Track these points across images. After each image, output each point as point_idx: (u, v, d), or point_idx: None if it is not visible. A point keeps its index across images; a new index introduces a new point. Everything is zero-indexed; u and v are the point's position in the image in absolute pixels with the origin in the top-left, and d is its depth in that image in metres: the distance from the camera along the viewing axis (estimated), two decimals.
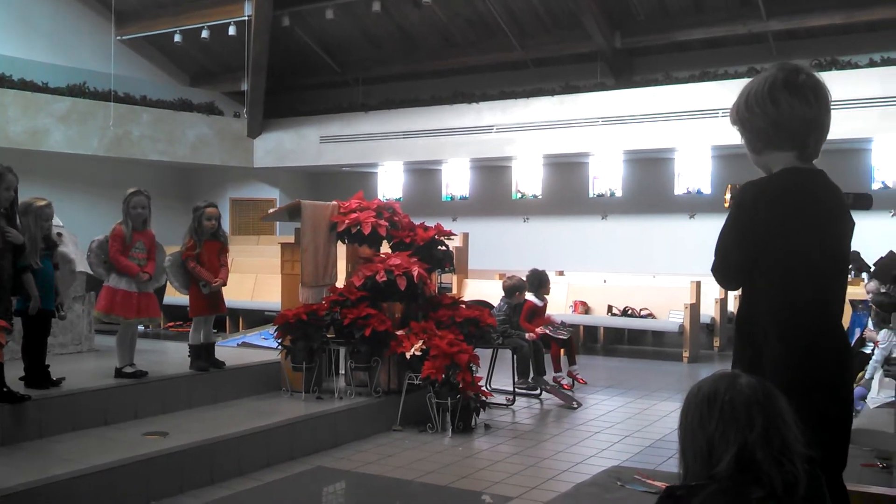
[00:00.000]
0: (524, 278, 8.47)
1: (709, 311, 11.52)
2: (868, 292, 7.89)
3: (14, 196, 5.30)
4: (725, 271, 2.58)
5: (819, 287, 2.44)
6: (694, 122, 13.65)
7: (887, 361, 5.80)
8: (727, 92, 13.16)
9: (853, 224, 2.55)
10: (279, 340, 6.92)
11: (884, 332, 5.91)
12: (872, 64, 12.59)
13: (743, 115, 2.57)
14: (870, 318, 7.04)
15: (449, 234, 7.64)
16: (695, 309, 10.96)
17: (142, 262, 6.21)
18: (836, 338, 2.47)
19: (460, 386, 6.40)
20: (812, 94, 2.45)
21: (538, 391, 8.03)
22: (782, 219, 2.44)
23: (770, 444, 1.86)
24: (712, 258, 2.61)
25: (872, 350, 6.07)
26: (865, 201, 2.73)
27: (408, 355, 6.54)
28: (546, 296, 8.66)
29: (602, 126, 14.47)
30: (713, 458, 1.88)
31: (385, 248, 7.51)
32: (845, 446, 2.48)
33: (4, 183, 5.17)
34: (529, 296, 8.36)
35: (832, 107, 2.51)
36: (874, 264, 8.47)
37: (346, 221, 7.15)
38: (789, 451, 1.87)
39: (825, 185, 2.51)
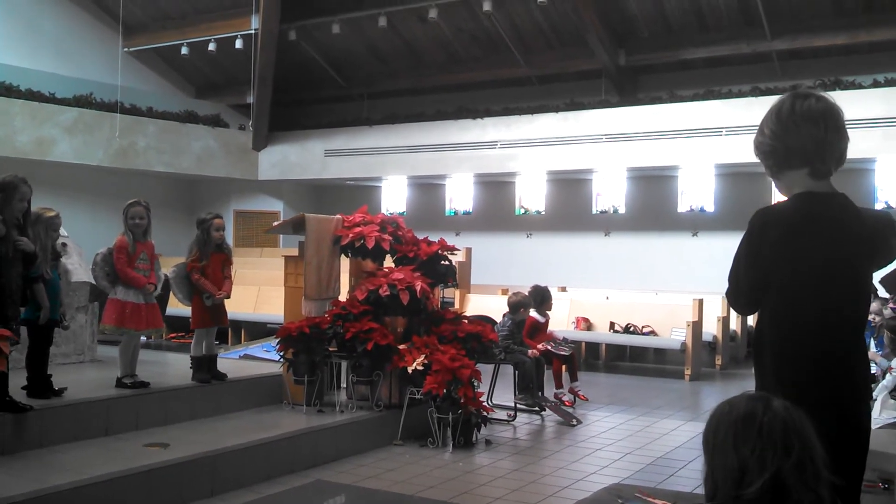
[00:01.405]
0: (527, 294, 8.48)
1: (711, 328, 11.50)
2: (871, 312, 7.87)
3: (27, 207, 5.35)
4: (737, 296, 2.66)
5: (823, 309, 2.48)
6: (698, 140, 13.68)
7: None
8: (731, 110, 13.26)
9: (880, 247, 2.58)
10: (281, 353, 6.92)
11: None
12: (876, 84, 12.62)
13: (757, 139, 2.66)
14: (872, 339, 7.02)
15: (452, 249, 7.66)
16: (697, 327, 10.94)
17: (146, 272, 6.24)
18: (841, 359, 2.48)
19: (462, 401, 6.40)
20: (820, 117, 2.52)
21: (539, 407, 8.01)
22: (788, 243, 2.50)
23: (804, 471, 1.85)
24: (726, 283, 2.69)
25: (884, 373, 6.04)
26: None
27: (409, 370, 6.55)
28: (548, 312, 8.66)
29: (606, 143, 14.50)
30: (745, 479, 1.86)
31: (388, 262, 7.53)
32: (859, 470, 2.49)
33: (18, 194, 5.22)
34: (531, 311, 8.36)
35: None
36: (881, 281, 8.36)
37: (350, 235, 7.18)
38: (820, 478, 1.86)
39: (839, 207, 2.56)
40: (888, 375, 5.81)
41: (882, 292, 8.01)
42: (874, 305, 7.91)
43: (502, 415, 7.73)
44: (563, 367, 8.46)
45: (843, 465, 2.34)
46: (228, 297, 6.78)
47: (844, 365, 2.48)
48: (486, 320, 8.32)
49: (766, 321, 2.57)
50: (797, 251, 2.49)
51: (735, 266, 2.62)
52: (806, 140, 2.51)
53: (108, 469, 4.75)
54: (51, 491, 4.35)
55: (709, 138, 13.55)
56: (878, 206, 14.07)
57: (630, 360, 12.91)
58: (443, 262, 7.52)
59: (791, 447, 1.85)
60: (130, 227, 6.24)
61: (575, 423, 7.61)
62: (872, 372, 6.30)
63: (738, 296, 2.65)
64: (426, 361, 6.54)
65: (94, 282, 6.64)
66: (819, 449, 1.89)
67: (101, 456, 5.10)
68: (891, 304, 7.43)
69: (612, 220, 16.55)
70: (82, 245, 8.31)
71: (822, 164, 2.54)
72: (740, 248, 2.60)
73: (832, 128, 2.52)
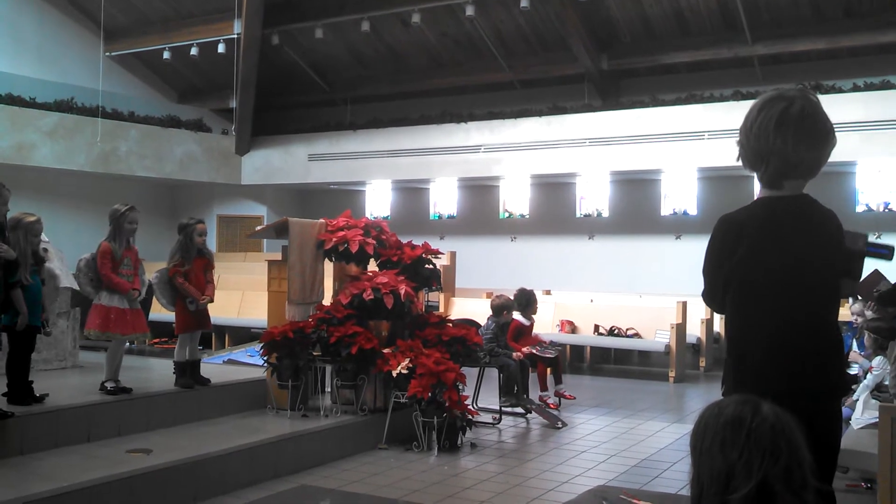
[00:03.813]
0: (512, 297, 8.48)
1: (695, 331, 11.57)
2: (853, 314, 7.92)
3: (6, 211, 5.33)
4: (706, 297, 2.73)
5: (777, 310, 2.50)
6: (680, 144, 13.76)
7: (877, 388, 5.82)
8: (713, 114, 13.33)
9: (839, 247, 2.58)
10: (265, 358, 6.89)
11: (878, 358, 5.92)
12: (856, 88, 12.75)
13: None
14: (854, 340, 7.07)
15: (436, 253, 7.66)
16: (681, 329, 10.99)
17: (130, 278, 6.20)
18: (802, 363, 2.48)
19: (446, 404, 6.39)
20: (773, 125, 2.52)
21: (524, 410, 8.02)
22: (744, 246, 2.54)
23: (791, 477, 1.84)
24: (699, 282, 2.75)
25: (865, 373, 6.08)
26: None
27: (394, 373, 6.53)
28: (533, 315, 8.67)
29: (589, 147, 14.55)
30: (731, 484, 1.85)
31: (372, 266, 7.51)
32: (830, 472, 2.50)
33: (1, 198, 5.20)
34: (516, 315, 8.37)
35: None
36: (857, 290, 8.38)
37: (334, 239, 7.16)
38: (807, 484, 1.86)
39: (799, 211, 2.57)
40: (869, 375, 5.86)
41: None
42: (856, 307, 7.95)
43: (487, 418, 7.73)
44: (548, 369, 8.46)
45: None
46: (212, 301, 6.76)
47: (813, 371, 2.49)
48: (470, 324, 8.31)
49: (728, 327, 2.64)
50: (751, 255, 2.53)
51: (704, 267, 2.69)
52: (760, 142, 2.54)
53: (89, 476, 4.70)
54: (32, 499, 4.30)
55: (691, 142, 13.62)
56: (859, 208, 14.21)
57: (614, 363, 12.96)
58: (427, 265, 7.52)
59: (779, 453, 1.84)
60: (124, 233, 6.21)
61: (560, 425, 7.62)
62: (855, 373, 6.35)
63: (706, 296, 2.73)
64: (411, 365, 6.52)
65: (76, 287, 6.59)
66: (807, 455, 1.88)
67: (82, 463, 5.06)
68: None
69: (595, 224, 16.60)
70: (64, 250, 8.25)
71: (764, 172, 2.57)
72: (706, 254, 2.67)
73: (782, 138, 2.50)
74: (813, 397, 2.48)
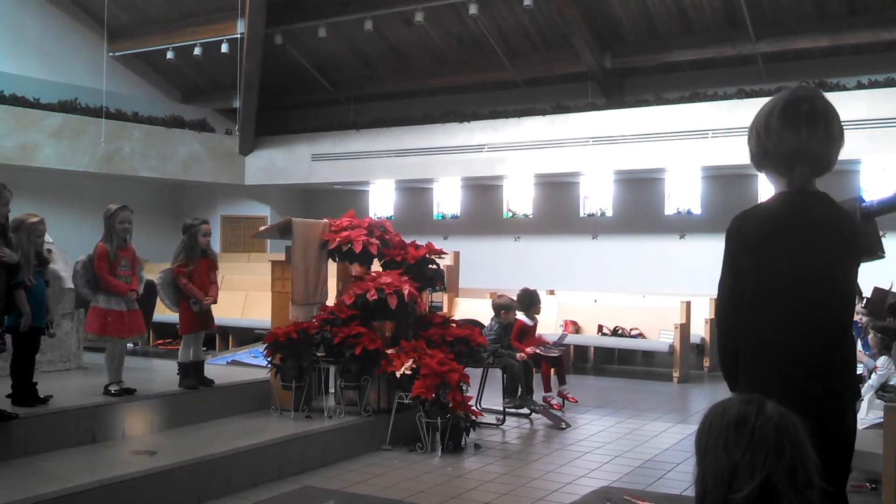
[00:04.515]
0: (514, 297, 8.47)
1: (699, 331, 11.53)
2: (857, 313, 7.89)
3: (8, 212, 5.34)
4: (720, 303, 2.61)
5: (793, 312, 2.44)
6: (684, 143, 13.73)
7: (882, 388, 5.81)
8: (717, 113, 13.30)
9: (855, 247, 2.54)
10: (269, 358, 6.90)
11: (883, 358, 5.91)
12: (860, 86, 12.71)
13: (748, 136, 2.62)
14: (858, 339, 7.05)
15: (440, 253, 7.65)
16: (685, 329, 10.97)
17: (127, 279, 6.20)
18: (823, 366, 2.43)
19: (450, 405, 6.38)
20: (805, 125, 2.47)
21: (528, 411, 8.01)
22: (759, 246, 2.48)
23: (795, 477, 1.83)
24: (713, 285, 2.70)
25: (870, 373, 6.07)
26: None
27: (398, 374, 6.53)
28: (536, 315, 8.66)
29: (593, 146, 14.53)
30: (734, 484, 1.84)
31: (376, 266, 7.51)
32: (844, 475, 2.47)
33: (2, 199, 5.21)
34: (520, 315, 8.36)
35: None
36: (864, 306, 8.29)
37: (338, 239, 7.16)
38: (811, 483, 1.85)
39: (813, 208, 2.52)
40: (874, 375, 5.85)
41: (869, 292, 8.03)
42: (859, 306, 7.92)
43: (491, 419, 7.72)
44: (552, 370, 8.46)
45: (828, 470, 2.33)
46: (215, 302, 6.76)
47: (828, 372, 2.44)
48: (474, 324, 8.30)
49: (744, 329, 2.52)
50: (766, 255, 2.46)
51: (721, 273, 2.59)
52: (785, 146, 2.49)
53: (94, 477, 4.71)
54: (37, 500, 4.31)
55: (695, 140, 13.59)
56: None
57: (618, 363, 12.94)
58: (431, 265, 7.51)
59: (782, 452, 1.83)
60: (119, 232, 6.20)
61: (564, 426, 7.61)
62: (859, 372, 6.33)
63: (721, 302, 2.60)
64: (414, 366, 6.52)
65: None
66: (811, 454, 1.87)
67: (87, 464, 5.06)
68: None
69: (599, 223, 16.58)
70: (67, 251, 8.25)
71: (799, 176, 2.51)
72: (724, 255, 2.58)
73: (817, 137, 2.48)
74: (827, 399, 2.45)
